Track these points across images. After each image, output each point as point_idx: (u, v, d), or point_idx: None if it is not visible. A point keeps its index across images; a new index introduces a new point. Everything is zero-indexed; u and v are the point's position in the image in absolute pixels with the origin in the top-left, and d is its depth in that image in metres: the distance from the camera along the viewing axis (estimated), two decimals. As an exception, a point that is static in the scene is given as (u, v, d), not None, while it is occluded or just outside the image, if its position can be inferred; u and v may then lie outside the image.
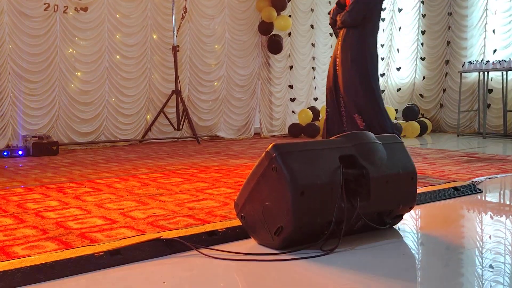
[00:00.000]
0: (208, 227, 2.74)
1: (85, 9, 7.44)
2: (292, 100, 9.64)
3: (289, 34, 9.47)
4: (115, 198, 3.63)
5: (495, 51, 8.89)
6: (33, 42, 7.08)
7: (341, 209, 2.46)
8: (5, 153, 6.40)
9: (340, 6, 4.61)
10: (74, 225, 2.85)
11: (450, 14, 9.50)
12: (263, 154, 2.47)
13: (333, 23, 4.73)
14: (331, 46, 9.96)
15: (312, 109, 9.16)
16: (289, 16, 9.28)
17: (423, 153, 6.27)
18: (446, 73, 9.63)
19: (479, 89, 8.84)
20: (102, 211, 3.21)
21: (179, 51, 8.07)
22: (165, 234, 2.58)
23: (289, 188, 2.34)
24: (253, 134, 9.21)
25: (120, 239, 2.53)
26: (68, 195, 3.76)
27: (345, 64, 4.50)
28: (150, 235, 2.57)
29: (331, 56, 5.00)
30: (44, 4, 7.09)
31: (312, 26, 9.78)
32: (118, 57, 7.78)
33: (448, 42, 9.56)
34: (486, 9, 9.01)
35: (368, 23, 4.48)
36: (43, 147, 6.55)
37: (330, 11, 4.78)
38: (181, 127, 8.13)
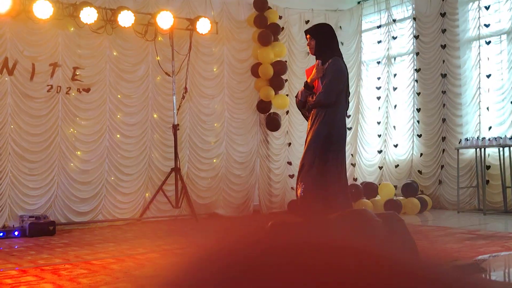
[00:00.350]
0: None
1: (87, 90, 7.60)
2: (291, 176, 9.64)
3: (287, 112, 9.64)
4: (111, 279, 3.54)
5: (490, 127, 9.00)
6: (35, 122, 7.18)
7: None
8: (1, 234, 6.32)
9: (307, 88, 4.55)
10: (67, 309, 2.76)
11: (444, 92, 9.69)
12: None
13: (301, 105, 4.64)
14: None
15: (311, 186, 9.14)
16: (287, 94, 9.48)
17: (424, 231, 6.19)
18: (443, 150, 9.68)
19: (476, 165, 8.86)
20: (97, 294, 3.12)
21: (179, 129, 8.16)
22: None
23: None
24: (252, 211, 9.13)
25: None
26: (63, 277, 3.67)
27: (309, 139, 4.42)
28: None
29: None
30: (47, 85, 7.26)
31: (309, 105, 9.96)
32: (118, 136, 7.87)
33: (444, 119, 9.69)
34: (479, 87, 9.20)
35: (337, 101, 4.42)
36: (39, 228, 6.48)
37: (298, 94, 4.67)
38: (179, 205, 8.05)
